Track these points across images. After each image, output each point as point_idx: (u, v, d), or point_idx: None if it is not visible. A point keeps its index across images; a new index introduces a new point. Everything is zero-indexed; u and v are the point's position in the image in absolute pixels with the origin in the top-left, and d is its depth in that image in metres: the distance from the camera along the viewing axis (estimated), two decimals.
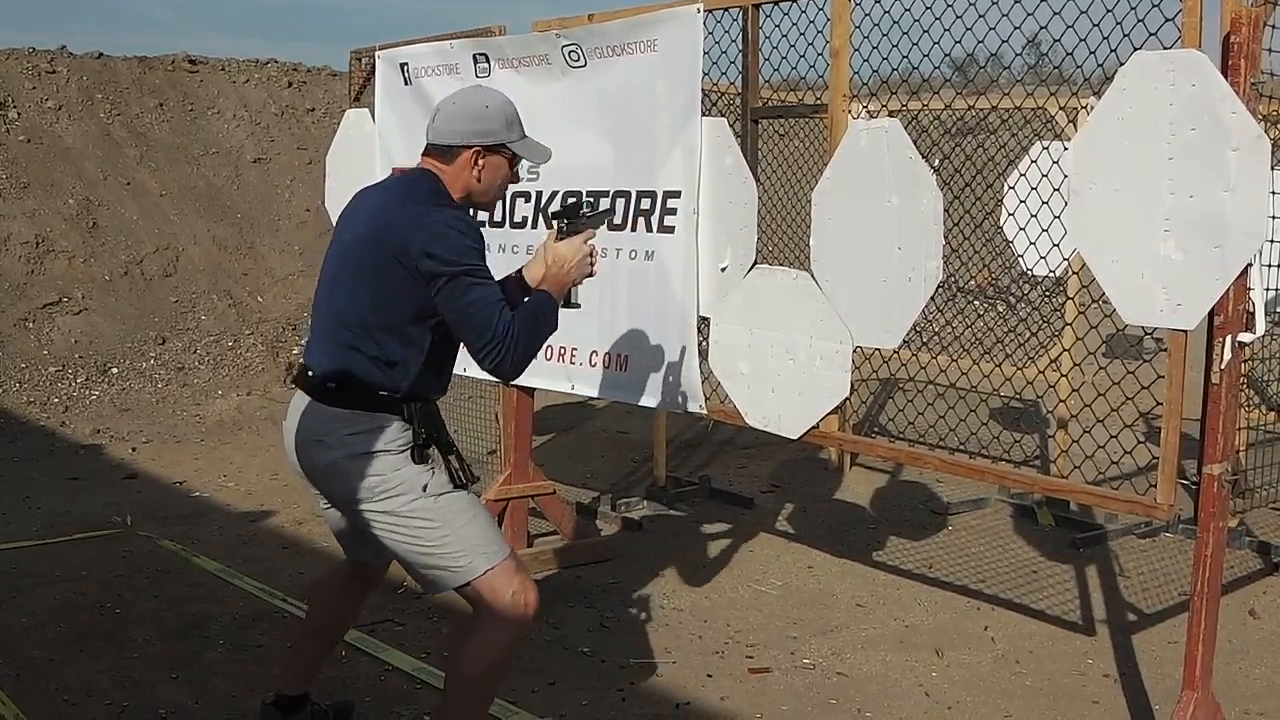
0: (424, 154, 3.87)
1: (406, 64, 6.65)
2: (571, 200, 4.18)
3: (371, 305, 3.68)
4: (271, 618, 5.76)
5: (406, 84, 6.68)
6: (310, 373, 3.83)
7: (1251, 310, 3.80)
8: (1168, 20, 4.05)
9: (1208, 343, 3.85)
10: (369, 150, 6.94)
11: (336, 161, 7.40)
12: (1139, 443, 4.59)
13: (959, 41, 4.75)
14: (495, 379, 3.88)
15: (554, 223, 4.04)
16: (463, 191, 3.83)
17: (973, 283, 10.15)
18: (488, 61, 6.18)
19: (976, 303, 10.51)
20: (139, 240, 12.53)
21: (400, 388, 3.74)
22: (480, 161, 3.82)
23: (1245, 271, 3.76)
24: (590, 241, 3.98)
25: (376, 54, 6.89)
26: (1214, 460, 3.84)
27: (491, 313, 3.58)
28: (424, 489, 3.72)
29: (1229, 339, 3.77)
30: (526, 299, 3.94)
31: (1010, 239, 6.61)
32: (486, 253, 3.74)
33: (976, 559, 6.91)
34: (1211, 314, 3.80)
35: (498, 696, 4.51)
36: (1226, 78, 3.77)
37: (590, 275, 4.01)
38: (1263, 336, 6.70)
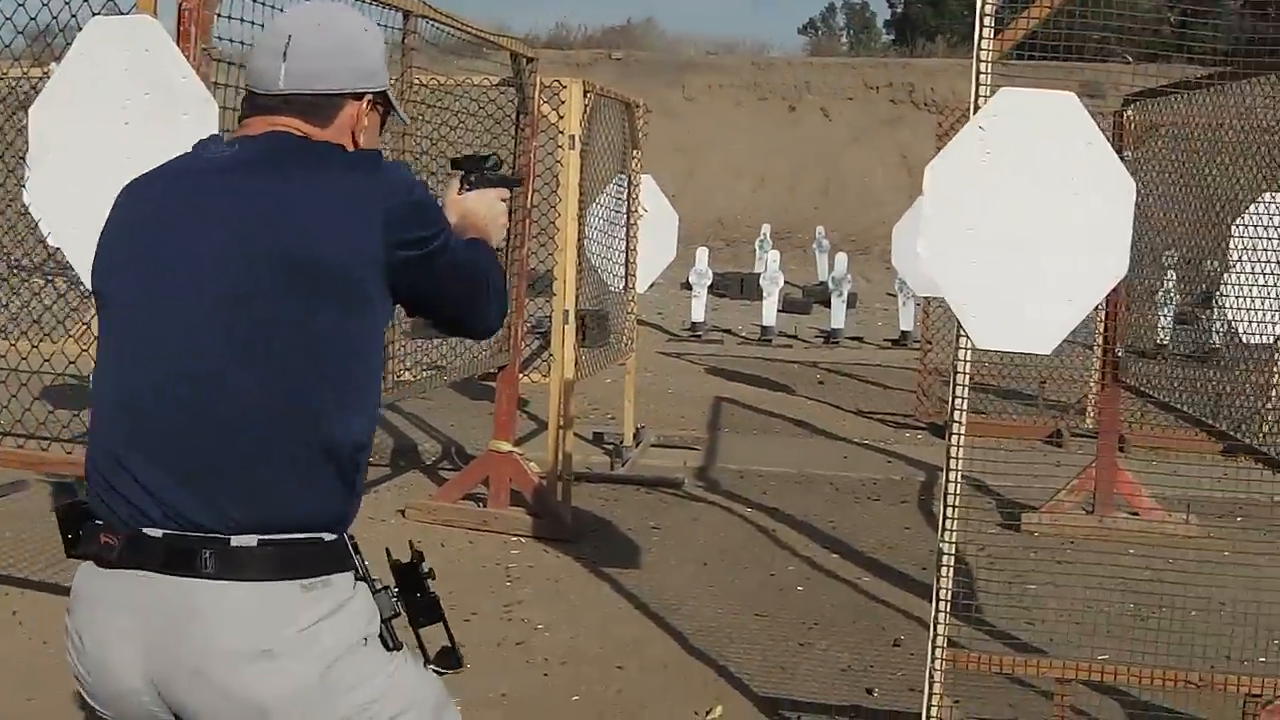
0: (267, 112, 2.39)
1: None
2: (473, 153, 2.86)
3: (299, 375, 2.23)
4: None
5: None
6: (169, 531, 2.21)
7: None
8: None
9: None
10: None
11: None
12: None
13: None
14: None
15: (458, 173, 2.76)
16: None
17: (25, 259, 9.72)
18: None
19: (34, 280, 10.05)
20: None
21: (347, 514, 2.33)
22: (366, 119, 2.46)
23: None
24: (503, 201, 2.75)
25: None
26: None
27: (487, 258, 2.55)
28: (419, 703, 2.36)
29: None
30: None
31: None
32: None
33: (11, 543, 6.63)
34: None
35: None
36: (179, 44, 3.88)
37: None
38: None
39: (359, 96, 2.42)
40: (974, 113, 3.60)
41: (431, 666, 2.41)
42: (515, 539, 7.00)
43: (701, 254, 17.59)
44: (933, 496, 8.17)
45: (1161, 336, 9.35)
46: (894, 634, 5.75)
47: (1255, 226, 5.95)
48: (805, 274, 22.83)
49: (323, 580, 2.22)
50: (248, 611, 2.16)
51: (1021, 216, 3.55)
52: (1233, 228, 6.23)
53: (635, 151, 8.62)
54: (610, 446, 9.34)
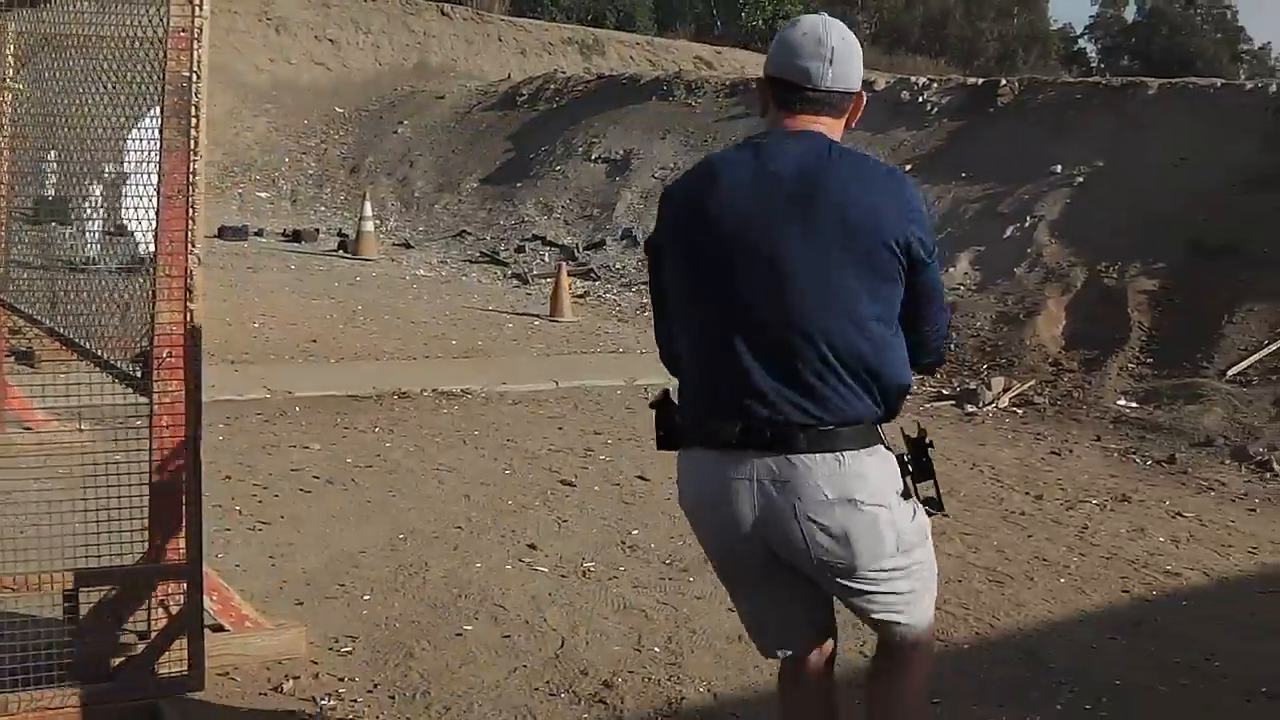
0: (807, 106, 3.18)
1: None
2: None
3: (863, 303, 3.07)
4: None
5: None
6: (779, 417, 3.07)
7: None
8: None
9: None
10: None
11: None
12: None
13: None
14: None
15: None
16: None
17: None
18: None
19: None
20: None
21: (888, 414, 3.19)
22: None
23: None
24: None
25: None
26: None
27: (944, 327, 3.42)
28: (926, 535, 3.28)
29: None
30: None
31: None
32: None
33: None
34: None
35: None
36: None
37: None
38: None
39: (854, 94, 3.20)
40: None
41: (925, 509, 3.24)
42: None
43: None
44: None
45: (91, 251, 9.19)
46: None
47: (143, 140, 6.05)
48: None
49: (874, 449, 3.10)
50: (834, 472, 3.04)
51: None
52: (127, 141, 6.30)
53: None
54: None
